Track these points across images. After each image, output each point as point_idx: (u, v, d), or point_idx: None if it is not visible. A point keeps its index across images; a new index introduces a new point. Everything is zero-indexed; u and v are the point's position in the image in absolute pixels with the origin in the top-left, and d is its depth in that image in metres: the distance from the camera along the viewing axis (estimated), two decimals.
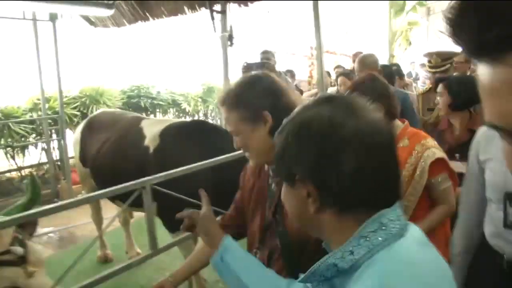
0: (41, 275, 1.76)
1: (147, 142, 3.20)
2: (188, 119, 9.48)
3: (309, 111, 0.81)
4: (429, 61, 3.52)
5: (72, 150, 4.51)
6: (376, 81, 2.06)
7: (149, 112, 8.42)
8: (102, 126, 3.68)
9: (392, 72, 4.06)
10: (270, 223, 1.44)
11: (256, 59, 5.04)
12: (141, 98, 8.26)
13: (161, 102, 8.52)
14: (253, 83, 1.41)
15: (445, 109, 2.65)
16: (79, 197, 1.91)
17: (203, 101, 9.57)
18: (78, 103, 7.07)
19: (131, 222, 4.36)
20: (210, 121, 9.53)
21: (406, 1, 10.03)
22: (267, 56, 4.84)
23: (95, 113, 4.17)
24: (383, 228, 0.74)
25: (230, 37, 4.00)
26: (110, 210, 4.35)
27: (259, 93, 1.37)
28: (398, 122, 2.09)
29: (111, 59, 8.82)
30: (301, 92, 6.67)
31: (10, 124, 6.19)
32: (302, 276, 0.82)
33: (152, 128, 3.31)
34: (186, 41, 9.74)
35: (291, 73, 7.05)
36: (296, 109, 0.86)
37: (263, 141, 1.36)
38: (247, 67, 4.59)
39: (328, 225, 0.80)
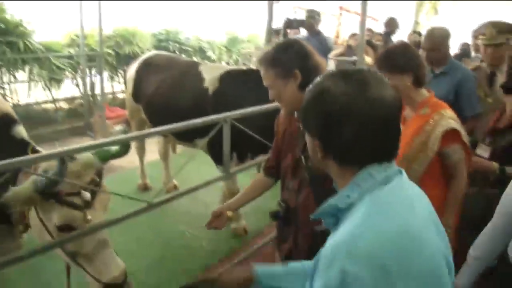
0: (97, 221, 1.84)
1: (206, 84, 3.55)
2: None
3: (327, 82, 1.02)
4: (483, 34, 3.17)
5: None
6: (407, 49, 2.18)
7: None
8: (158, 67, 3.97)
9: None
10: (299, 159, 1.83)
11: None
12: (170, 42, 8.49)
13: (188, 48, 8.75)
14: (286, 47, 1.79)
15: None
16: (152, 130, 2.12)
17: (227, 50, 9.79)
18: (111, 43, 7.32)
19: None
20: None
21: None
22: (312, 15, 5.06)
23: (149, 54, 4.43)
24: (371, 177, 0.98)
25: None
26: (149, 144, 4.77)
27: (291, 55, 1.76)
28: (423, 91, 2.19)
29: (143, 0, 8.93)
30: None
31: (50, 57, 6.47)
32: (315, 213, 1.12)
33: (211, 72, 3.63)
34: None
35: None
36: (320, 77, 1.07)
37: (293, 94, 1.76)
38: (288, 22, 4.86)
39: (333, 171, 1.06)
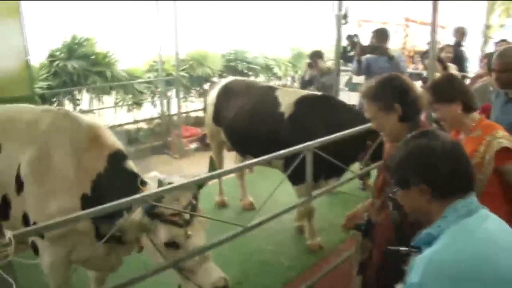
0: (198, 237, 2.08)
1: (282, 109, 3.80)
2: (278, 82, 10.07)
3: (415, 141, 1.39)
4: None
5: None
6: (453, 81, 2.35)
7: (244, 75, 9.09)
8: (237, 92, 4.30)
9: None
10: (387, 181, 1.99)
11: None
12: (238, 62, 8.89)
13: (255, 66, 9.10)
14: (388, 83, 2.01)
15: None
16: (240, 164, 2.37)
17: (292, 65, 10.02)
18: (186, 66, 7.84)
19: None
20: (296, 82, 10.02)
21: None
22: (376, 34, 5.17)
23: (228, 80, 4.77)
24: (456, 211, 1.28)
25: (345, 16, 4.38)
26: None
27: (392, 90, 1.97)
28: (475, 115, 2.31)
29: (213, 23, 9.45)
30: None
31: (133, 83, 7.09)
32: (415, 239, 1.40)
33: (286, 97, 3.89)
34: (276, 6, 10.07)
35: None
36: (407, 138, 1.44)
37: (394, 125, 1.96)
38: (362, 49, 5.01)
39: (431, 210, 1.34)
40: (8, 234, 1.31)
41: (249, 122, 3.98)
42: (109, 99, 7.27)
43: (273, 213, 2.50)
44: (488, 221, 1.29)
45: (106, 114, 7.36)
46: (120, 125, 7.77)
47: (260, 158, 2.42)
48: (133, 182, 2.20)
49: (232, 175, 5.17)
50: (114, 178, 2.28)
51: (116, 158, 2.33)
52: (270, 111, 3.86)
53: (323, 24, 9.80)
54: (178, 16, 6.55)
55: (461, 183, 1.32)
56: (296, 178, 3.28)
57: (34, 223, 2.20)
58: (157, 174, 2.23)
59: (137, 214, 2.05)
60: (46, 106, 3.00)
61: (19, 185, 2.29)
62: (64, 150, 2.29)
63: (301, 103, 3.77)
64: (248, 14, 10.18)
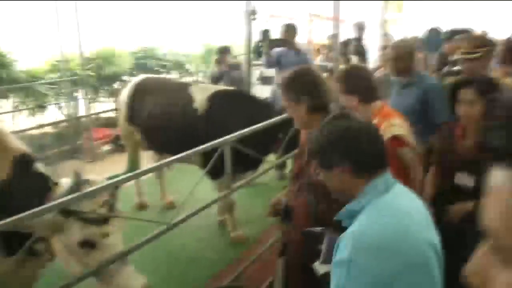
0: (115, 237, 2.02)
1: (196, 105, 3.82)
2: (190, 79, 10.00)
3: (334, 123, 1.46)
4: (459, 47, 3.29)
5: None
6: (350, 75, 2.51)
7: (155, 73, 8.88)
8: (150, 90, 4.20)
9: None
10: (304, 167, 2.18)
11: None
12: (148, 59, 8.68)
13: (166, 63, 8.95)
14: (298, 77, 2.15)
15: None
16: (158, 163, 2.30)
17: (205, 61, 10.03)
18: (92, 65, 7.47)
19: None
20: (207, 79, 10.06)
21: None
22: (287, 29, 5.37)
23: (139, 78, 4.61)
24: (375, 187, 1.36)
25: (254, 12, 4.48)
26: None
27: (302, 83, 2.12)
28: (377, 103, 2.50)
29: (120, 20, 9.08)
30: None
31: (34, 85, 6.59)
32: (338, 214, 1.48)
33: (200, 93, 3.90)
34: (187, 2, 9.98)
35: None
36: (324, 122, 1.50)
37: (303, 115, 2.12)
38: (270, 42, 5.18)
39: (353, 188, 1.40)
40: None
41: (165, 120, 3.93)
42: (6, 103, 6.70)
43: (195, 209, 2.51)
44: (404, 195, 1.42)
45: (4, 120, 6.75)
46: (22, 131, 7.18)
47: (178, 156, 2.40)
48: (44, 185, 2.09)
49: (151, 174, 5.09)
50: (21, 184, 2.10)
51: (22, 162, 2.15)
52: (185, 107, 3.85)
53: (234, 20, 9.94)
54: (82, 14, 6.20)
55: (379, 161, 1.42)
56: (214, 173, 3.33)
57: None
58: (68, 181, 2.09)
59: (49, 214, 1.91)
60: None
61: None
62: None
63: (214, 98, 3.83)
64: (158, 11, 9.97)
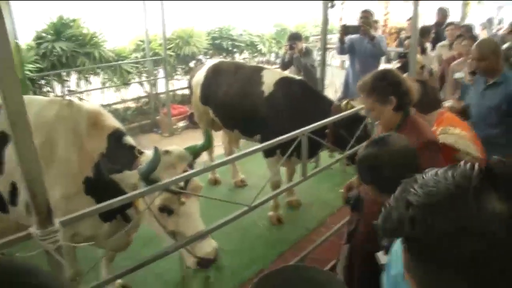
0: (192, 205, 2.21)
1: (263, 87, 4.08)
2: (263, 59, 10.21)
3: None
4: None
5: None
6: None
7: (229, 53, 9.20)
8: (224, 72, 4.49)
9: None
10: None
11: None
12: (223, 39, 8.96)
13: (240, 44, 9.18)
14: (382, 77, 2.26)
15: None
16: (246, 150, 2.44)
17: (276, 42, 10.12)
18: (172, 45, 7.88)
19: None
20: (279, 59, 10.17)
21: None
22: (365, 15, 5.35)
23: (215, 61, 4.93)
24: None
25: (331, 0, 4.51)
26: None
27: (387, 83, 2.22)
28: (434, 113, 2.66)
29: (198, 1, 9.42)
30: None
31: (121, 64, 7.14)
32: None
33: (269, 77, 4.13)
34: None
35: None
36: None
37: (389, 115, 2.23)
38: (344, 29, 5.19)
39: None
40: (57, 221, 1.50)
41: (237, 99, 4.22)
42: (96, 79, 7.32)
43: (264, 190, 2.59)
44: None
45: (94, 95, 7.41)
46: (108, 105, 7.84)
47: (265, 144, 2.57)
48: (131, 154, 2.38)
49: (221, 152, 5.44)
50: (114, 155, 2.43)
51: (115, 136, 2.49)
52: (254, 89, 4.12)
53: (306, 0, 9.91)
54: None
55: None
56: (268, 152, 3.84)
57: None
58: (150, 152, 2.29)
59: (133, 177, 2.22)
60: (51, 97, 3.10)
61: None
62: (67, 139, 2.45)
63: (279, 84, 4.04)
64: None
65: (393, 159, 1.70)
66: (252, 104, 4.09)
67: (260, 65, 7.66)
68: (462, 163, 0.69)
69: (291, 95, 3.96)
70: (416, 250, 0.70)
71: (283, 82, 4.06)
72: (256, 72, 4.29)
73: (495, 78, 3.22)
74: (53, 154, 2.42)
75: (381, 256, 2.02)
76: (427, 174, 0.72)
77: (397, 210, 0.71)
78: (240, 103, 4.20)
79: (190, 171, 2.18)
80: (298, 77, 4.34)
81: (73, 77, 6.95)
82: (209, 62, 4.93)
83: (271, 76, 4.15)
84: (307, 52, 5.86)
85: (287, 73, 5.27)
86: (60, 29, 6.45)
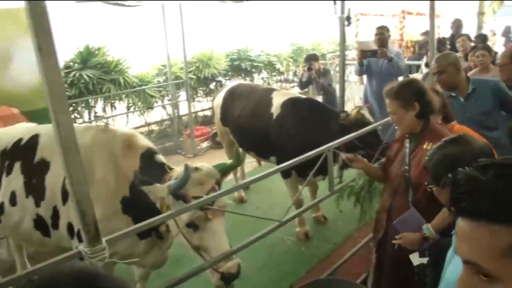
0: (217, 222, 2.25)
1: (272, 109, 4.18)
2: (281, 77, 10.38)
3: (449, 146, 1.67)
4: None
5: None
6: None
7: (248, 73, 9.39)
8: (241, 95, 4.64)
9: None
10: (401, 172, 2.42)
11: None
12: (241, 60, 9.17)
13: (259, 64, 9.37)
14: (409, 84, 2.40)
15: None
16: (270, 170, 2.55)
17: (294, 60, 10.29)
18: (192, 68, 8.11)
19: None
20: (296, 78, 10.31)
21: None
22: (381, 31, 5.44)
23: (233, 83, 5.11)
24: None
25: (348, 18, 4.61)
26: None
27: (412, 90, 2.33)
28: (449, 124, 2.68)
29: (217, 24, 9.70)
30: None
31: (145, 89, 7.38)
32: None
33: (278, 98, 4.24)
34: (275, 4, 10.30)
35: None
36: (438, 146, 1.71)
37: (411, 120, 2.31)
38: (363, 53, 5.31)
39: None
40: (104, 239, 1.60)
41: (249, 122, 4.35)
42: (121, 104, 7.57)
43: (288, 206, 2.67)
44: None
45: (119, 119, 7.65)
46: (134, 128, 8.08)
47: (287, 163, 2.64)
48: (162, 170, 2.48)
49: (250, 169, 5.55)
50: (146, 171, 2.51)
51: (147, 155, 2.60)
52: (264, 111, 4.22)
53: (321, 18, 10.07)
54: (185, 22, 6.78)
55: None
56: (285, 173, 3.88)
57: (78, 231, 2.44)
58: (181, 170, 2.33)
59: (163, 190, 2.27)
60: (87, 124, 3.25)
61: (64, 196, 2.55)
62: (104, 161, 2.56)
63: (286, 104, 4.12)
64: (248, 12, 10.42)
65: (477, 158, 1.66)
66: (264, 126, 4.20)
67: (277, 85, 7.77)
68: None
69: (298, 114, 4.05)
70: None
71: (289, 103, 4.16)
72: (267, 94, 4.43)
73: (458, 91, 3.25)
74: (91, 177, 2.54)
75: (415, 257, 2.10)
76: None
77: None
78: (253, 125, 4.33)
79: (222, 190, 2.25)
80: (303, 96, 4.46)
81: (100, 103, 7.21)
82: (229, 84, 5.11)
83: (279, 98, 4.26)
84: (325, 72, 5.99)
85: (297, 93, 5.37)
86: (86, 58, 6.75)
